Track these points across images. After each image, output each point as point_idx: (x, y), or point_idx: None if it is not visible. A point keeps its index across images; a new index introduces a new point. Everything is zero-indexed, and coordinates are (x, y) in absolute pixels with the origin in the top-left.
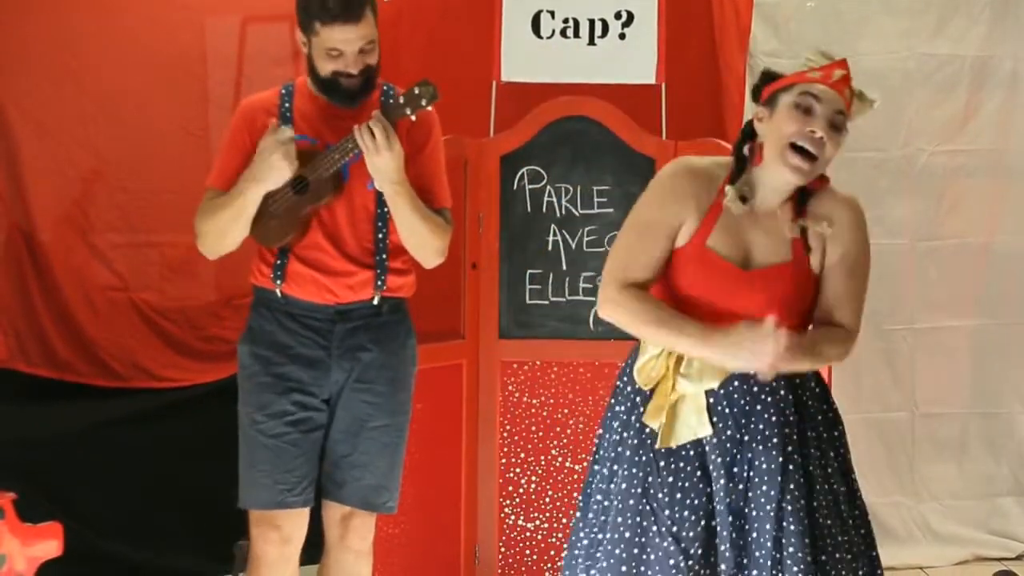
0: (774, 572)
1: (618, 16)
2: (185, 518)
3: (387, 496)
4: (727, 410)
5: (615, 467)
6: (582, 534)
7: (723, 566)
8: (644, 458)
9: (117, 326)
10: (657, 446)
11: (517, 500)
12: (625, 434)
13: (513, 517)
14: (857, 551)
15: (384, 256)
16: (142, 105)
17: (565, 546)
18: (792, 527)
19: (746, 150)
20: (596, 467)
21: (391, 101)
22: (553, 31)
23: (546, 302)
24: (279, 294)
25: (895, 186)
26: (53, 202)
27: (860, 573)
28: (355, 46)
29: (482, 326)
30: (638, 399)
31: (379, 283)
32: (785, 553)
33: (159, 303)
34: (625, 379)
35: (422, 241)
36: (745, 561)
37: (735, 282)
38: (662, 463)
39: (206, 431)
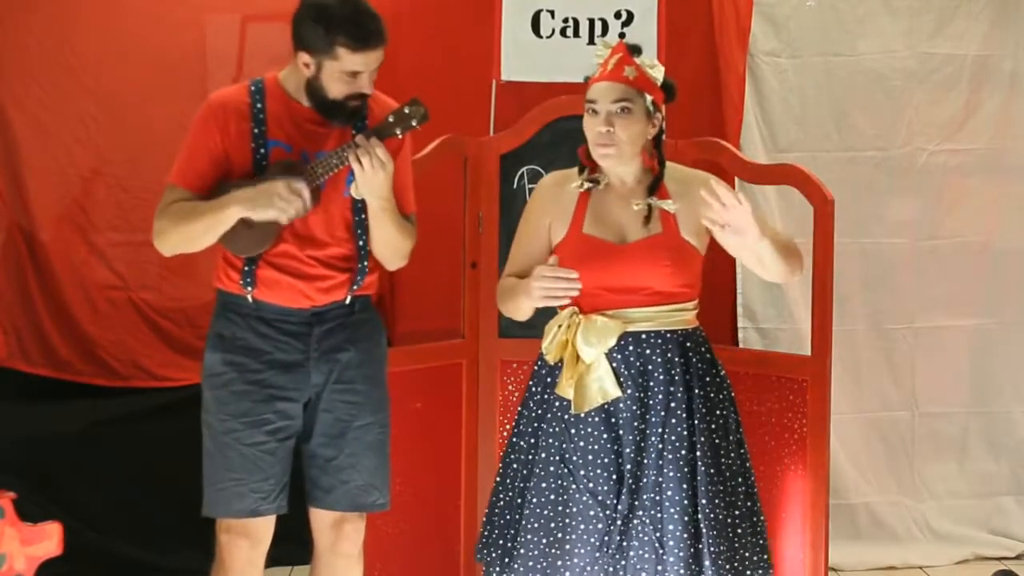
0: (653, 512)
1: (618, 16)
2: (185, 518)
3: (377, 494)
4: (626, 371)
5: (533, 440)
6: (500, 494)
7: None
8: (558, 428)
9: (117, 325)
10: (572, 412)
11: None
12: (540, 411)
13: None
14: (732, 498)
15: (365, 263)
16: (142, 105)
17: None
18: (671, 473)
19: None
20: (515, 439)
21: (388, 119)
22: (553, 30)
23: None
24: (250, 300)
25: (895, 185)
26: (53, 201)
27: (736, 516)
28: (373, 67)
29: (482, 325)
30: (549, 379)
31: (355, 287)
32: (664, 496)
33: (159, 302)
34: (540, 362)
35: (395, 249)
36: (635, 503)
37: (615, 256)
38: (573, 431)
39: None
